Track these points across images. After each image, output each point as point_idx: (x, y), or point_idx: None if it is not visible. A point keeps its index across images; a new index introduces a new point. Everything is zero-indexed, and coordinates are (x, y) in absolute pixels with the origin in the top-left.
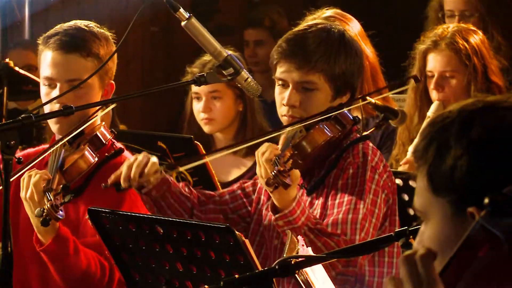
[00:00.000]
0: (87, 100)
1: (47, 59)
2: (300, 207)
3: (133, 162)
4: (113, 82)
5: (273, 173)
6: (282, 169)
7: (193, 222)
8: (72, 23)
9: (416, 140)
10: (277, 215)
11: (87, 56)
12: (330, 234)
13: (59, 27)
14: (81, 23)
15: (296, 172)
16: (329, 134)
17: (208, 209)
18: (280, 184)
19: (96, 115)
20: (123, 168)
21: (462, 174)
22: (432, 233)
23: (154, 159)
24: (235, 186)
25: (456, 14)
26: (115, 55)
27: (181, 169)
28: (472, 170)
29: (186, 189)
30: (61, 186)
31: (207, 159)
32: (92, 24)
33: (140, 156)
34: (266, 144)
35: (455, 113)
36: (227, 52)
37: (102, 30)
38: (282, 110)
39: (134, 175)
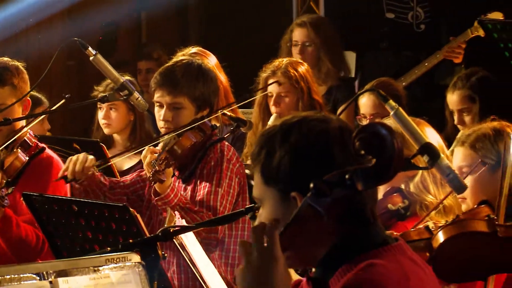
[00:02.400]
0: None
1: None
2: (174, 192)
3: (76, 160)
4: (29, 99)
5: (151, 172)
6: (158, 169)
7: (99, 202)
8: None
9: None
10: (156, 198)
11: (4, 85)
12: (196, 211)
13: None
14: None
15: (169, 170)
16: (193, 139)
17: (116, 192)
18: (157, 181)
19: (26, 126)
20: (69, 165)
21: (285, 169)
22: (268, 213)
23: (91, 157)
24: (134, 174)
25: (299, 44)
26: (27, 79)
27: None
28: (292, 166)
29: (102, 179)
30: (4, 181)
31: (127, 155)
32: (6, 59)
33: (81, 155)
34: (147, 149)
35: (278, 126)
36: (123, 78)
37: (14, 63)
38: (160, 124)
39: (78, 169)
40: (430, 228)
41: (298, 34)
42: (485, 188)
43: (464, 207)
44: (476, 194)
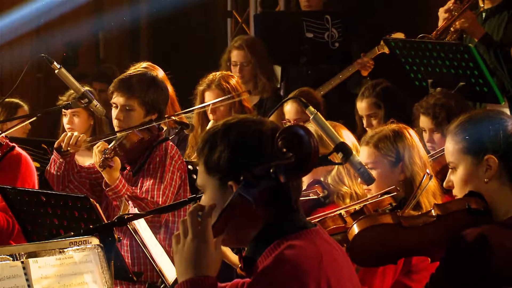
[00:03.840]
0: None
1: None
2: (122, 183)
3: (71, 135)
4: None
5: (102, 158)
6: (107, 156)
7: (63, 193)
8: None
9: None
10: (107, 189)
11: None
12: (142, 199)
13: None
14: None
15: (117, 160)
16: (140, 136)
17: (81, 175)
18: (107, 166)
19: (7, 130)
20: (65, 138)
21: (224, 162)
22: (208, 199)
23: (82, 135)
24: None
25: (238, 64)
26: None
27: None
28: (230, 159)
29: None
30: None
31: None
32: None
33: (76, 132)
34: (100, 142)
35: (220, 124)
36: (84, 88)
37: None
38: (114, 122)
39: (72, 142)
40: (343, 215)
41: (236, 55)
42: (386, 180)
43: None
44: (379, 186)
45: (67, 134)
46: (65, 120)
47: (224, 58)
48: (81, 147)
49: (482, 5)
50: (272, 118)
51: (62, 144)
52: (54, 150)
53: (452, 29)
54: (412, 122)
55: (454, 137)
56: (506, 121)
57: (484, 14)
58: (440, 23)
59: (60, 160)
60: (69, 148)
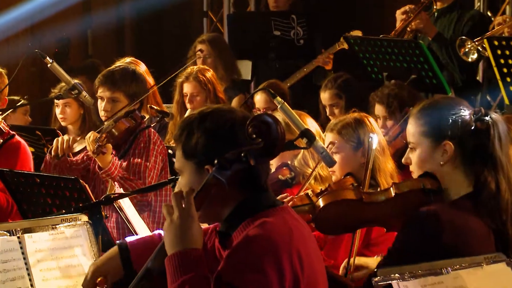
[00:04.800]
0: None
1: None
2: (114, 166)
3: (62, 141)
4: (6, 98)
5: (96, 146)
6: (100, 144)
7: (56, 176)
8: None
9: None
10: (101, 171)
11: None
12: (131, 179)
13: None
14: None
15: (109, 145)
16: (127, 124)
17: (72, 169)
18: (100, 152)
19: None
20: (58, 145)
21: (201, 147)
22: (185, 181)
23: (66, 137)
24: (82, 154)
25: (201, 56)
26: (7, 82)
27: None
28: (206, 145)
29: (68, 158)
30: None
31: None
32: None
33: (66, 136)
34: (91, 132)
35: (196, 113)
36: (74, 81)
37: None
38: (101, 113)
39: (66, 147)
40: (309, 195)
41: (200, 48)
42: (349, 163)
43: (334, 178)
44: (342, 168)
45: (58, 140)
46: (57, 110)
47: (191, 52)
48: (72, 148)
49: (435, 7)
50: (235, 104)
51: (58, 151)
52: (53, 157)
53: (408, 29)
54: (368, 110)
55: (417, 120)
56: (465, 111)
57: (436, 14)
58: (398, 24)
59: (55, 162)
60: (64, 152)
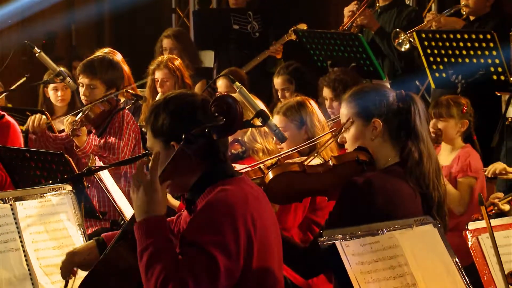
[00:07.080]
0: None
1: None
2: (89, 145)
3: (34, 119)
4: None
5: (71, 129)
6: (75, 127)
7: (44, 151)
8: None
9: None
10: (77, 150)
11: None
12: (105, 156)
13: None
14: None
15: (84, 129)
16: (102, 108)
17: (57, 143)
18: (76, 135)
19: None
20: (30, 123)
21: (166, 127)
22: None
23: (44, 117)
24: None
25: (167, 50)
26: None
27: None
28: (171, 124)
29: (50, 134)
30: None
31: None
32: None
33: (37, 116)
34: (69, 115)
35: (162, 98)
36: (59, 68)
37: None
38: (82, 98)
39: (36, 125)
40: (262, 168)
41: (166, 43)
42: (294, 140)
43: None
44: (289, 144)
45: (31, 119)
46: (58, 93)
47: (157, 45)
48: (43, 127)
49: (378, 4)
50: (198, 88)
51: (29, 127)
52: (30, 133)
53: (354, 24)
54: (315, 94)
55: (348, 104)
56: (388, 93)
57: (378, 11)
58: (345, 20)
59: (34, 138)
60: (35, 130)
